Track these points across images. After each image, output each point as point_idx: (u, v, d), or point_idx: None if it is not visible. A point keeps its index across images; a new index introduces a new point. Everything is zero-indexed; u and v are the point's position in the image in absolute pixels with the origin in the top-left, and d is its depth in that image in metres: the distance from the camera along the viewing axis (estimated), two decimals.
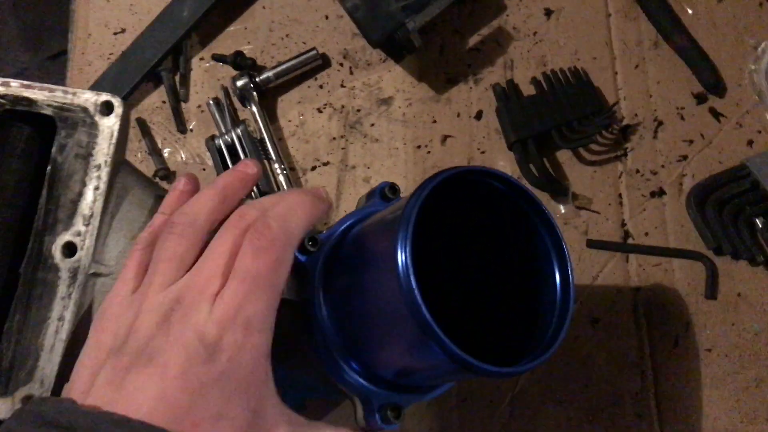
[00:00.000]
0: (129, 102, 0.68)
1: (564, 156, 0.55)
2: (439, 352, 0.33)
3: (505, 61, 0.58)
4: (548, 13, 0.60)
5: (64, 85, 0.73)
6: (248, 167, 0.43)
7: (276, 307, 0.35)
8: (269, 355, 0.35)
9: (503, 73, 0.58)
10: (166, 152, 0.66)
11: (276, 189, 0.61)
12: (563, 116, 0.53)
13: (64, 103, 0.47)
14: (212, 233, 0.40)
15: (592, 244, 0.49)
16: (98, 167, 0.46)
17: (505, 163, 0.57)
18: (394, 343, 0.37)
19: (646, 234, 0.52)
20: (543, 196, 0.55)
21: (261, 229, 0.35)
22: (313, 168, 0.62)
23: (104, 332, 0.37)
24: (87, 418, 0.31)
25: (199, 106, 0.67)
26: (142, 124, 0.68)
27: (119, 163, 0.47)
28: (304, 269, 0.41)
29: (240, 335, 0.33)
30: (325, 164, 0.62)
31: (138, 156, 0.67)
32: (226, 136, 0.62)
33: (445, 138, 0.59)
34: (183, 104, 0.67)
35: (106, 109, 0.47)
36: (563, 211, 0.54)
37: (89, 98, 0.47)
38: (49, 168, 0.46)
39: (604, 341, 0.51)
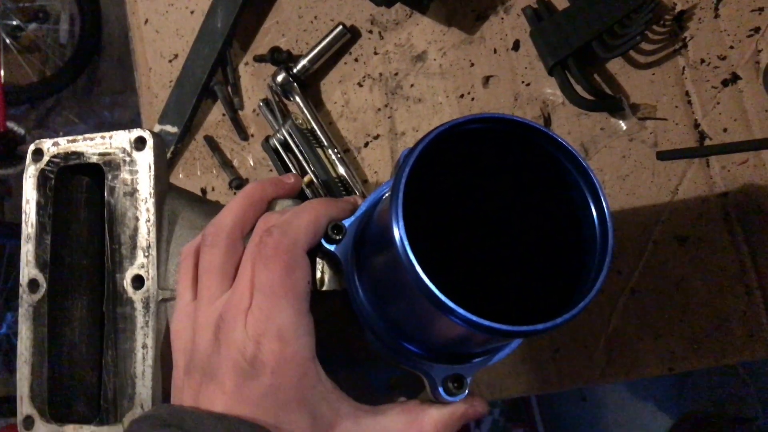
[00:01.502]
0: (188, 130, 0.71)
1: (615, 66, 0.49)
2: (461, 323, 0.31)
3: None
4: None
5: (140, 122, 0.78)
6: (285, 177, 0.45)
7: (304, 310, 0.36)
8: (314, 359, 0.36)
9: None
10: (235, 162, 0.69)
11: (333, 174, 0.60)
12: (602, 23, 0.47)
13: (105, 149, 0.50)
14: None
15: (664, 155, 0.43)
16: (144, 200, 0.48)
17: (553, 90, 0.52)
18: (426, 319, 0.35)
19: (725, 130, 0.45)
20: (601, 117, 0.49)
21: (265, 239, 0.36)
22: (366, 144, 0.61)
23: (177, 351, 0.41)
24: (192, 416, 0.35)
25: (254, 110, 0.68)
26: (210, 141, 0.71)
27: (164, 191, 0.49)
28: (337, 257, 0.40)
29: (276, 347, 0.34)
30: (376, 137, 0.60)
31: (213, 171, 0.70)
32: (278, 135, 0.62)
33: (486, 79, 0.55)
34: (240, 112, 0.69)
35: (140, 144, 0.49)
36: (625, 126, 0.48)
37: (124, 138, 0.49)
38: (105, 211, 0.50)
39: (697, 260, 0.45)
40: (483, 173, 0.38)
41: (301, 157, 0.61)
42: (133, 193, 0.49)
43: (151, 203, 0.48)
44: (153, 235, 0.48)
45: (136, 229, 0.48)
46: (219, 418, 0.34)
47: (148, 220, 0.48)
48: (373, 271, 0.38)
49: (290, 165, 0.62)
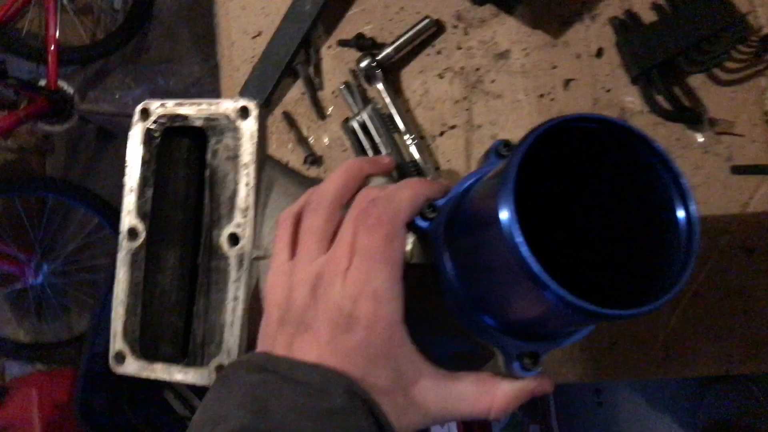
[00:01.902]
0: (267, 106, 0.74)
1: (696, 80, 0.52)
2: (557, 302, 0.34)
3: None
4: None
5: (219, 91, 0.82)
6: (381, 157, 0.48)
7: (398, 276, 0.39)
8: (402, 321, 0.40)
9: (620, 5, 0.56)
10: (311, 139, 0.72)
11: (407, 159, 0.64)
12: (689, 38, 0.50)
13: (210, 114, 0.54)
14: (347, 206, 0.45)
15: (738, 169, 0.46)
16: (246, 165, 0.52)
17: (633, 99, 0.55)
18: (516, 296, 0.39)
19: None
20: (677, 127, 0.52)
21: (370, 209, 0.39)
22: (441, 133, 0.64)
23: (271, 304, 0.44)
24: (287, 363, 0.39)
25: (333, 92, 0.71)
26: (288, 117, 0.75)
27: (263, 159, 0.53)
28: (428, 234, 0.44)
29: (370, 306, 0.38)
30: (452, 128, 0.64)
31: (289, 146, 0.74)
32: (358, 117, 0.66)
33: (567, 82, 0.58)
34: (319, 92, 0.73)
35: (244, 113, 0.53)
36: (701, 139, 0.51)
37: (229, 106, 0.53)
38: (207, 172, 0.54)
39: (762, 271, 0.48)
40: (577, 166, 0.41)
41: (378, 140, 0.65)
42: (234, 158, 0.53)
43: (251, 169, 0.52)
44: (251, 198, 0.52)
45: (235, 192, 0.52)
46: (312, 367, 0.38)
47: (248, 184, 0.52)
48: (467, 249, 0.41)
49: (366, 147, 0.65)
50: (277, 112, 0.75)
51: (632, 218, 0.41)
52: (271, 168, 0.54)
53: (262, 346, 0.45)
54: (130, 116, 0.57)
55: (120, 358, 0.54)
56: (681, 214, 0.37)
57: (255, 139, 0.52)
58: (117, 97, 1.95)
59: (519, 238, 0.34)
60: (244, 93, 0.77)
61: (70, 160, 2.48)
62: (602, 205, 0.42)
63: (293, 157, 0.73)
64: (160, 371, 0.53)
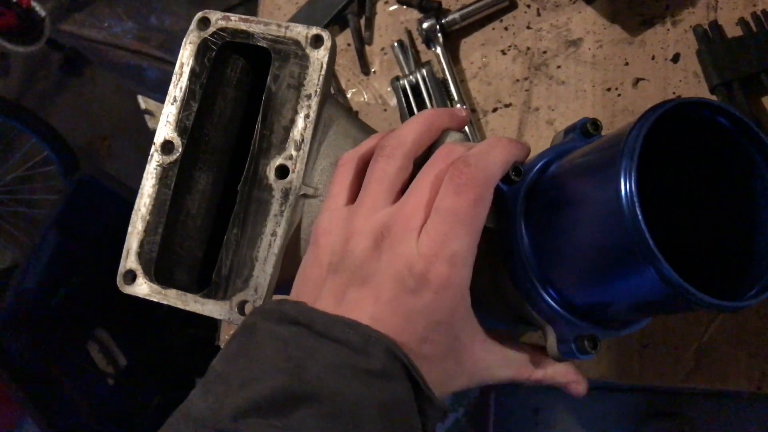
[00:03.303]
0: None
1: None
2: (659, 285, 0.33)
3: (708, 2, 0.55)
4: None
5: None
6: (458, 110, 0.45)
7: (477, 242, 0.37)
8: (469, 287, 0.37)
9: (705, 14, 0.55)
10: (350, 93, 0.69)
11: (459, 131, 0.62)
12: None
13: (278, 36, 0.50)
14: (420, 159, 0.42)
15: None
16: (308, 97, 0.49)
17: None
18: (605, 271, 0.37)
19: None
20: None
21: (461, 167, 0.36)
22: (494, 110, 0.62)
23: (322, 248, 0.41)
24: (323, 318, 0.35)
25: (383, 49, 0.69)
26: None
27: (326, 95, 0.50)
28: (506, 199, 0.42)
29: (445, 270, 0.35)
30: (507, 106, 0.62)
31: None
32: (411, 77, 0.63)
33: (637, 81, 0.57)
34: (367, 47, 0.70)
35: (316, 42, 0.50)
36: None
37: (301, 32, 0.50)
38: (264, 96, 0.50)
39: None
40: (681, 153, 0.40)
41: (428, 104, 0.63)
42: (298, 87, 0.49)
43: (314, 101, 0.49)
44: (309, 131, 0.48)
45: (292, 122, 0.49)
46: (350, 324, 0.35)
47: (308, 116, 0.49)
48: (552, 221, 0.39)
49: (415, 109, 0.63)
50: None
51: (724, 211, 0.40)
52: (334, 106, 0.51)
53: (301, 290, 0.41)
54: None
55: (130, 276, 0.50)
56: None
57: (323, 71, 0.49)
58: (106, 25, 1.85)
59: (639, 215, 0.33)
60: None
61: (26, 87, 2.36)
62: (697, 194, 0.41)
63: None
64: (173, 298, 0.49)
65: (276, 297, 0.40)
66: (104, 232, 1.71)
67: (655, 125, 0.35)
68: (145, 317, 1.73)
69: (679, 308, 0.40)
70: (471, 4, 0.63)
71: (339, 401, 0.32)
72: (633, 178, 0.33)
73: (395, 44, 0.66)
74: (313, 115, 0.49)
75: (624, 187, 0.33)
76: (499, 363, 0.40)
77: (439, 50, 0.63)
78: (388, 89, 0.68)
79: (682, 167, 0.42)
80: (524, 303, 0.41)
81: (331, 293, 0.38)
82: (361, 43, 0.69)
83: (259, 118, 0.50)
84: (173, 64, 0.52)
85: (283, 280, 0.50)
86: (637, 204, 0.33)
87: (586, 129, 0.43)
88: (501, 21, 0.63)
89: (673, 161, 0.41)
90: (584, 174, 0.39)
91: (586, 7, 0.60)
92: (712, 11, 0.55)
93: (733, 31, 0.54)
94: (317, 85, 0.49)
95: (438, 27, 0.63)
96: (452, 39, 0.65)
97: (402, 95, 0.63)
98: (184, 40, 0.52)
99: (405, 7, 0.68)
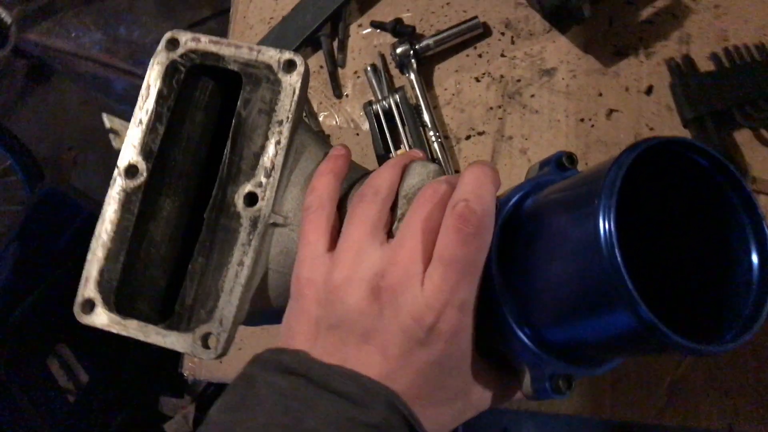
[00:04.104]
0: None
1: (743, 136, 0.52)
2: (634, 323, 0.32)
3: (681, 36, 0.55)
4: None
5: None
6: (414, 152, 0.45)
7: (479, 284, 0.36)
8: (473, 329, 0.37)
9: (678, 48, 0.56)
10: (321, 116, 0.68)
11: (430, 157, 0.61)
12: (746, 94, 0.50)
13: (249, 60, 0.49)
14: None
15: None
16: (280, 123, 0.48)
17: None
18: (580, 310, 0.36)
19: None
20: None
21: (467, 215, 0.35)
22: (468, 137, 0.62)
23: (308, 300, 0.39)
24: (322, 369, 0.34)
25: (356, 72, 0.68)
26: None
27: (299, 121, 0.49)
28: None
29: (456, 318, 0.34)
30: (481, 134, 0.61)
31: None
32: (384, 102, 0.62)
33: (610, 112, 0.57)
34: (340, 70, 0.69)
35: (289, 66, 0.48)
36: None
37: (273, 56, 0.49)
38: (234, 121, 0.49)
39: None
40: (656, 189, 0.40)
41: (401, 130, 0.62)
42: (269, 112, 0.48)
43: (286, 128, 0.47)
44: (280, 158, 0.47)
45: (263, 148, 0.48)
46: (351, 377, 0.34)
47: (279, 143, 0.47)
48: (526, 257, 0.39)
49: (387, 134, 0.62)
50: None
51: (700, 250, 0.40)
52: (306, 132, 0.50)
53: (292, 341, 0.39)
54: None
55: (88, 306, 0.48)
56: (755, 259, 0.36)
57: (296, 97, 0.48)
58: (73, 35, 1.81)
59: (618, 255, 0.32)
60: None
61: None
62: (673, 232, 0.41)
63: None
64: (134, 329, 0.47)
65: (274, 347, 0.39)
66: (68, 246, 1.67)
67: (632, 163, 0.35)
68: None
69: (654, 350, 0.39)
70: (445, 31, 0.63)
71: None
72: (612, 217, 0.32)
73: (368, 68, 0.65)
74: (284, 141, 0.47)
75: (602, 226, 0.32)
76: (499, 392, 0.39)
77: (412, 76, 0.63)
78: (361, 113, 0.68)
79: (658, 203, 0.41)
80: (498, 339, 0.41)
81: (328, 352, 0.36)
82: (334, 65, 0.68)
83: (228, 144, 0.48)
84: (141, 77, 0.51)
85: (250, 312, 0.48)
86: (615, 244, 0.32)
87: (562, 162, 0.43)
88: (475, 48, 0.63)
89: (648, 197, 0.41)
90: (561, 210, 0.38)
91: (560, 36, 0.60)
92: (684, 45, 0.55)
93: (705, 65, 0.55)
94: (289, 111, 0.48)
95: (412, 52, 0.63)
96: (426, 64, 0.64)
97: (374, 120, 0.62)
98: (152, 60, 0.50)
99: (378, 30, 0.67)
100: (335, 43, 0.69)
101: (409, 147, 0.61)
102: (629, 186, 0.38)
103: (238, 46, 0.49)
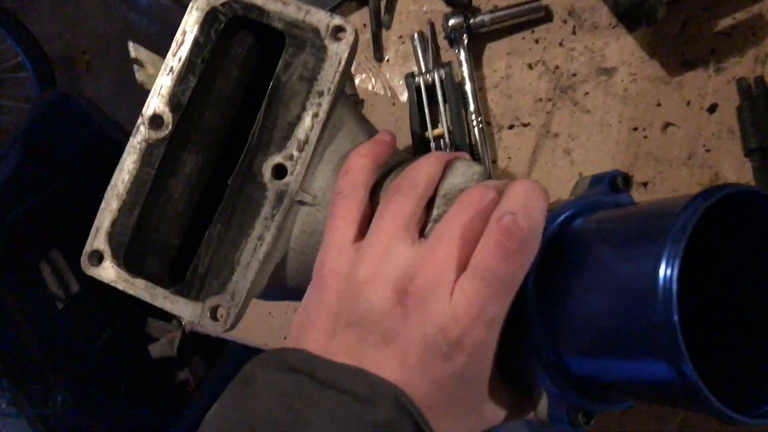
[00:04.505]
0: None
1: None
2: (673, 379, 0.30)
3: (757, 54, 0.51)
4: None
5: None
6: (461, 153, 0.43)
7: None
8: None
9: (752, 67, 0.52)
10: (358, 79, 0.64)
11: (468, 141, 0.58)
12: None
13: (296, 20, 0.45)
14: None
15: None
16: (321, 94, 0.44)
17: (730, 168, 0.51)
18: (616, 352, 0.34)
19: None
20: None
21: (513, 230, 0.32)
22: (511, 127, 0.58)
23: (330, 291, 0.37)
24: (326, 366, 0.33)
25: (401, 37, 0.64)
26: None
27: (340, 94, 0.45)
28: None
29: (482, 335, 0.33)
30: (525, 125, 0.58)
31: None
32: (428, 76, 0.59)
33: (666, 125, 0.54)
34: (384, 32, 0.65)
35: (337, 33, 0.45)
36: None
37: (322, 19, 0.45)
38: (271, 84, 0.45)
39: None
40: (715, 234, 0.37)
41: (441, 108, 0.58)
42: (311, 80, 0.45)
43: (327, 100, 0.44)
44: (316, 132, 0.44)
45: (298, 118, 0.44)
46: (357, 373, 0.32)
47: (317, 115, 0.44)
48: (568, 285, 0.36)
49: (426, 111, 0.59)
50: None
51: (748, 304, 0.37)
52: (346, 106, 0.47)
53: (304, 336, 0.37)
54: None
55: (96, 258, 0.46)
56: None
57: (341, 68, 0.44)
58: None
59: (675, 309, 0.30)
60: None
61: None
62: (721, 279, 0.38)
63: None
64: (141, 290, 0.45)
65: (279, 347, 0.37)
66: (73, 157, 1.64)
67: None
68: None
69: (683, 406, 0.38)
70: (503, 9, 0.58)
71: None
72: (676, 266, 0.30)
73: (415, 35, 0.61)
74: (323, 114, 0.44)
75: (664, 273, 0.30)
76: (512, 409, 0.38)
77: (462, 52, 0.59)
78: (400, 82, 0.64)
79: (712, 249, 0.38)
80: (519, 359, 0.39)
81: (344, 349, 0.35)
82: (379, 26, 0.64)
83: (263, 108, 0.45)
84: None
85: (264, 288, 0.46)
86: (674, 296, 0.30)
87: (616, 183, 0.40)
88: (532, 32, 0.59)
89: (703, 241, 0.38)
90: (616, 243, 0.35)
91: (626, 35, 0.55)
92: (759, 65, 0.52)
93: None
94: (332, 82, 0.44)
95: (465, 27, 0.58)
96: (477, 41, 0.60)
97: (415, 94, 0.59)
98: (191, 4, 0.46)
99: None
100: (383, 2, 0.65)
101: (448, 128, 0.58)
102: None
103: (286, 3, 0.45)
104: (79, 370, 1.67)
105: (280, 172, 0.44)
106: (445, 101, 0.58)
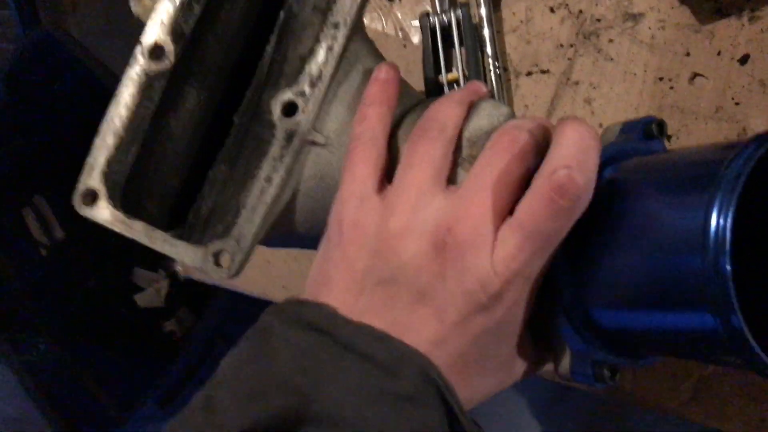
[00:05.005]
0: None
1: None
2: (720, 329, 0.28)
3: None
4: None
5: None
6: (478, 85, 0.40)
7: None
8: None
9: None
10: (366, 18, 0.61)
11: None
12: None
13: None
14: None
15: None
16: (336, 26, 0.41)
17: (759, 122, 0.49)
18: (656, 303, 0.32)
19: None
20: None
21: (569, 187, 0.30)
22: (529, 74, 0.55)
23: (353, 246, 0.34)
24: (348, 327, 0.30)
25: None
26: None
27: (356, 28, 0.42)
28: None
29: (521, 290, 0.31)
30: (544, 72, 0.55)
31: None
32: (444, 16, 0.55)
33: (694, 76, 0.51)
34: None
35: None
36: None
37: None
38: (282, 14, 0.42)
39: None
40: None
41: (457, 52, 0.55)
42: (325, 10, 0.41)
43: (342, 33, 0.41)
44: (330, 67, 0.41)
45: (312, 52, 0.41)
46: (381, 339, 0.30)
47: (331, 49, 0.41)
48: (603, 234, 0.34)
49: (441, 55, 0.55)
50: None
51: None
52: (362, 41, 0.44)
53: (328, 292, 0.34)
54: None
55: (90, 197, 0.42)
56: None
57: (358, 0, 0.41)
58: None
59: (728, 261, 0.28)
60: None
61: None
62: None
63: None
64: (139, 232, 0.42)
65: (294, 297, 0.34)
66: (58, 101, 1.59)
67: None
68: None
69: (718, 359, 0.36)
70: None
71: (359, 428, 0.27)
72: (730, 216, 0.28)
73: None
74: (338, 48, 0.41)
75: (716, 223, 0.28)
76: (533, 365, 0.36)
77: None
78: (413, 22, 0.60)
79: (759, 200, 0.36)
80: (545, 312, 0.37)
81: (374, 309, 0.32)
82: None
83: (273, 40, 0.42)
84: None
85: (270, 234, 0.43)
86: (728, 247, 0.28)
87: (650, 130, 0.37)
88: None
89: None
90: (657, 192, 0.33)
91: None
92: None
93: None
94: (349, 13, 0.41)
95: None
96: None
97: (430, 36, 0.56)
98: None
99: None
100: None
101: (464, 73, 0.55)
102: None
103: None
104: (63, 318, 1.64)
105: (290, 109, 0.41)
106: (461, 44, 0.55)
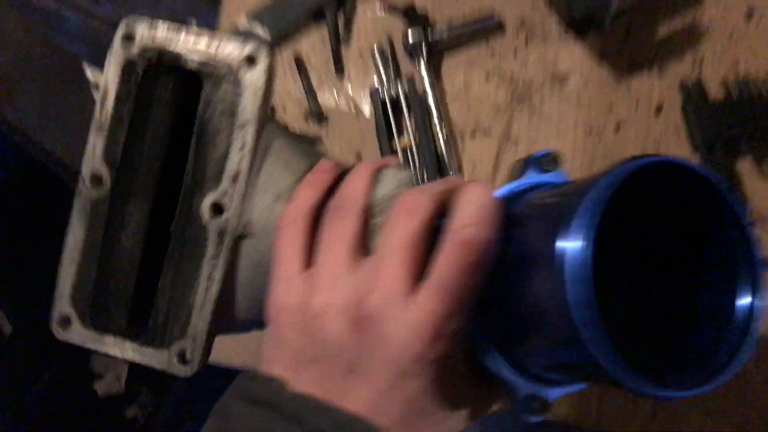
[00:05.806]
0: (278, 42, 0.66)
1: (745, 166, 0.49)
2: (603, 371, 0.27)
3: (694, 58, 0.51)
4: (749, 14, 0.53)
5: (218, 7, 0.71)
6: (391, 159, 0.41)
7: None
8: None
9: (691, 68, 0.52)
10: (320, 96, 0.65)
11: (435, 152, 0.58)
12: (756, 125, 0.47)
13: (208, 57, 0.45)
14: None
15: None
16: (243, 126, 0.44)
17: None
18: (548, 348, 0.33)
19: None
20: None
21: (474, 243, 0.31)
22: (473, 135, 0.58)
23: (284, 329, 0.36)
24: (294, 402, 0.32)
25: (360, 53, 0.64)
26: (300, 63, 0.67)
27: (264, 121, 0.45)
28: None
29: (447, 348, 0.31)
30: (487, 134, 0.58)
31: (292, 93, 0.66)
32: (392, 90, 0.59)
33: (619, 125, 0.53)
34: (343, 48, 0.65)
35: (250, 62, 0.44)
36: None
37: (232, 51, 0.44)
38: (196, 125, 0.46)
39: (763, 361, 0.47)
40: (640, 212, 0.35)
41: (407, 120, 0.58)
42: (231, 114, 0.45)
43: (250, 131, 0.44)
44: (245, 164, 0.44)
45: (226, 154, 0.45)
46: (324, 411, 0.32)
47: (243, 148, 0.44)
48: (496, 276, 0.35)
49: (393, 125, 0.59)
50: (287, 54, 0.66)
51: (678, 280, 0.35)
52: (274, 132, 0.47)
53: (271, 369, 0.36)
54: None
55: (65, 322, 0.47)
56: (742, 302, 0.31)
57: (259, 97, 0.44)
58: None
59: (590, 295, 0.26)
60: (257, 18, 0.67)
61: None
62: (650, 251, 0.37)
63: (295, 108, 0.65)
64: (110, 346, 0.46)
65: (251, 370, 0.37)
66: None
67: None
68: (32, 277, 1.29)
69: (607, 384, 0.36)
70: (460, 27, 0.58)
71: None
72: (589, 251, 0.27)
73: (376, 51, 0.61)
74: (249, 146, 0.44)
75: (561, 252, 0.27)
76: (483, 404, 0.37)
77: (423, 66, 0.59)
78: (362, 95, 0.64)
79: (641, 222, 0.37)
80: (476, 352, 0.38)
81: (310, 384, 0.34)
82: (338, 41, 0.64)
83: (192, 148, 0.46)
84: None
85: (222, 324, 0.47)
86: (567, 277, 0.27)
87: (543, 165, 0.38)
88: (488, 43, 0.58)
89: (626, 216, 0.36)
90: (528, 228, 0.33)
91: (574, 43, 0.55)
92: (697, 67, 0.51)
93: (717, 88, 0.51)
94: (252, 112, 0.44)
95: (425, 41, 0.58)
96: (435, 54, 0.60)
97: (381, 108, 0.59)
98: (108, 56, 0.46)
99: (386, 13, 0.62)
100: (341, 18, 0.65)
101: (414, 138, 0.58)
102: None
103: (198, 38, 0.45)
104: (18, 415, 1.44)
105: (217, 209, 0.44)
106: (409, 113, 0.58)
